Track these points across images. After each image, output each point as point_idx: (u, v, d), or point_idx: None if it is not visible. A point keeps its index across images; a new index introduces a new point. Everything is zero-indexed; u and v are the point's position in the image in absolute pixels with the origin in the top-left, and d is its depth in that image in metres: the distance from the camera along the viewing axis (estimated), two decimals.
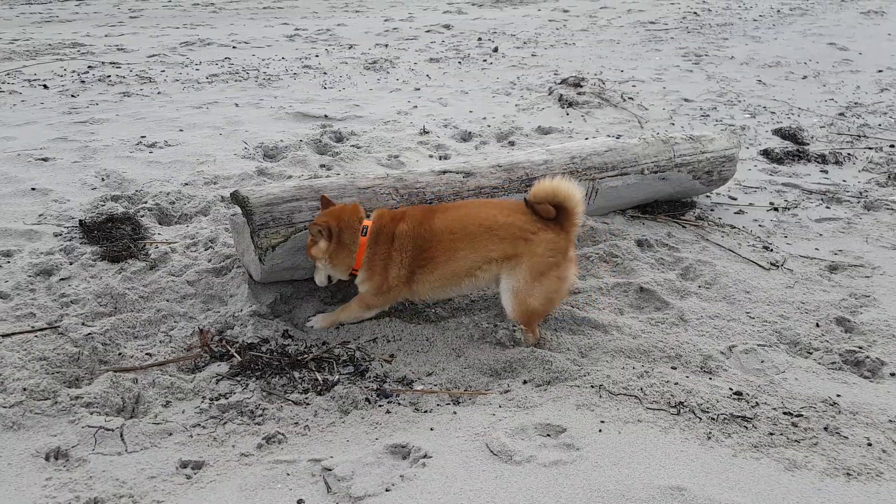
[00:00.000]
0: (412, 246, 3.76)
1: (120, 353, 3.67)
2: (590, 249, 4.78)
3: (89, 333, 3.72)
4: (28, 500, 2.67)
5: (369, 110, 8.22)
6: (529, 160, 4.91)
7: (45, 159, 6.40)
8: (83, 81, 9.46)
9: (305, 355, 3.74)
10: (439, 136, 7.51)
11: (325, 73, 10.05)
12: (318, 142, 6.90)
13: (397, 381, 3.65)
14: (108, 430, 3.05)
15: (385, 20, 14.38)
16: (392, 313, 4.14)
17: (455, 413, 3.31)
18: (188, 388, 3.43)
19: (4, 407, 3.14)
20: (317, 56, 11.08)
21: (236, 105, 8.19)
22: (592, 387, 3.44)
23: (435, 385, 3.58)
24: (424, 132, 7.52)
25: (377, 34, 12.98)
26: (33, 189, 5.66)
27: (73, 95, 8.82)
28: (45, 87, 9.32)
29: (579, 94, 8.78)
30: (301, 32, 12.98)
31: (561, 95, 8.71)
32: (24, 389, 3.26)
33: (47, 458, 2.91)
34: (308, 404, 3.40)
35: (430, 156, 6.92)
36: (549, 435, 3.10)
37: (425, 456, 2.92)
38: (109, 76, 9.71)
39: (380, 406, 3.43)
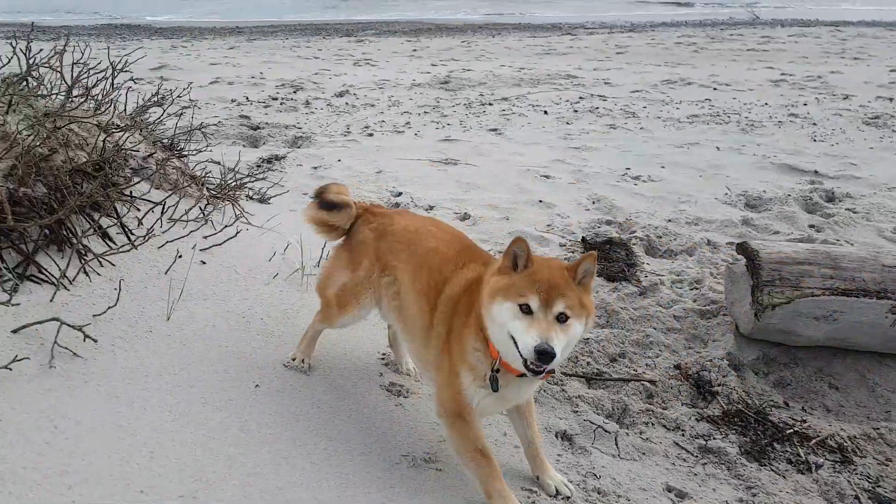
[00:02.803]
0: None
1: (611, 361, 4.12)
2: None
3: (588, 339, 4.29)
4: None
5: (869, 171, 7.35)
6: None
7: (547, 177, 7.56)
8: (576, 111, 10.79)
9: (789, 427, 3.62)
10: None
11: (814, 123, 9.36)
12: (807, 199, 6.50)
13: (894, 490, 3.25)
14: (606, 431, 3.47)
15: (892, 70, 12.58)
16: None
17: None
18: (670, 416, 3.67)
19: None
20: (805, 105, 10.38)
21: (717, 149, 8.28)
22: None
23: None
24: None
25: (880, 85, 11.47)
26: (540, 201, 6.74)
27: (567, 123, 10.14)
28: (546, 112, 10.93)
29: None
30: (787, 78, 12.32)
31: None
32: None
33: (556, 436, 3.47)
34: (787, 477, 3.29)
35: None
36: None
37: None
38: (598, 108, 10.85)
39: None
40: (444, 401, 2.74)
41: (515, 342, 2.34)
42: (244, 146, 8.38)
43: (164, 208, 4.25)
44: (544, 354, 2.24)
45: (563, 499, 2.88)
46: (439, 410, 2.80)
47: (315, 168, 7.33)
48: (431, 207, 6.43)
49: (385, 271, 3.14)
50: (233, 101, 10.77)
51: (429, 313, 2.82)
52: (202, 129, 5.85)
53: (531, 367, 2.31)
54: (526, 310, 2.35)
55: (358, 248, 3.29)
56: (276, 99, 11.01)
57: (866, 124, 9.21)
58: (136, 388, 2.92)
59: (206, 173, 5.47)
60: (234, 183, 5.68)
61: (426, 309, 2.84)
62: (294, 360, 3.41)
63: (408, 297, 2.96)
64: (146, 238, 3.92)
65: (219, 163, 6.02)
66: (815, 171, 7.32)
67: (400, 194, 6.71)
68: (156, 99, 5.96)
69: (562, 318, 2.37)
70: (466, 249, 2.98)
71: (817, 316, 3.88)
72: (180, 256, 3.89)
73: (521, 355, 2.32)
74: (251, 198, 6.05)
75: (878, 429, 3.62)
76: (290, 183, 6.83)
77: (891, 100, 10.39)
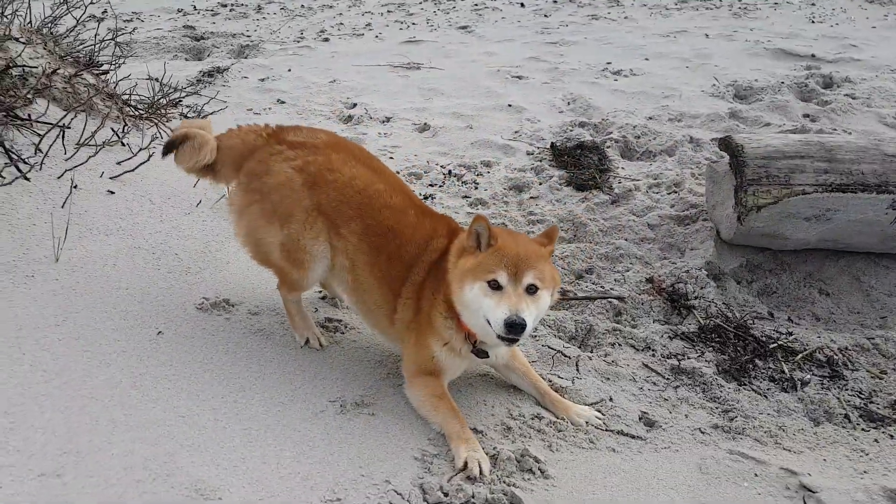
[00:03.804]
0: None
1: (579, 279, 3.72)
2: None
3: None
4: None
5: (871, 53, 6.71)
6: None
7: (519, 77, 6.92)
8: (555, 1, 9.91)
9: (773, 341, 3.25)
10: None
11: (812, 3, 8.57)
12: (802, 86, 5.92)
13: (889, 406, 2.92)
14: (567, 356, 3.11)
15: None
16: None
17: None
18: (639, 335, 3.29)
19: None
20: None
21: (706, 36, 7.57)
22: None
23: None
24: None
25: None
26: (510, 105, 6.15)
27: (545, 15, 9.32)
28: (522, 5, 10.06)
29: None
30: None
31: None
32: None
33: None
34: (769, 397, 2.95)
35: None
36: None
37: None
38: None
39: (863, 430, 2.78)
40: (411, 366, 2.66)
41: (489, 321, 2.34)
42: (186, 59, 7.67)
43: (63, 131, 3.68)
44: (514, 326, 2.25)
45: (592, 427, 2.66)
46: (406, 375, 2.68)
47: (262, 80, 6.68)
48: (388, 119, 5.86)
49: (335, 237, 2.72)
50: (179, 10, 9.88)
51: (392, 301, 2.70)
52: (117, 41, 5.16)
53: (504, 339, 2.32)
54: (494, 285, 2.35)
55: (278, 193, 2.70)
56: (225, 6, 10.10)
57: (869, 2, 8.43)
58: (2, 347, 2.50)
59: (131, 91, 4.86)
60: (163, 100, 5.09)
61: (390, 298, 2.70)
62: (308, 341, 2.89)
63: (367, 282, 2.74)
64: (37, 166, 3.40)
65: (155, 79, 5.41)
66: (812, 56, 6.67)
67: (354, 105, 6.11)
68: (66, 8, 5.27)
69: (531, 290, 2.37)
70: (421, 215, 2.75)
71: (808, 216, 3.44)
72: (76, 187, 3.40)
73: (494, 331, 2.32)
74: (186, 116, 5.46)
75: (872, 338, 3.26)
76: (234, 98, 6.21)
77: None
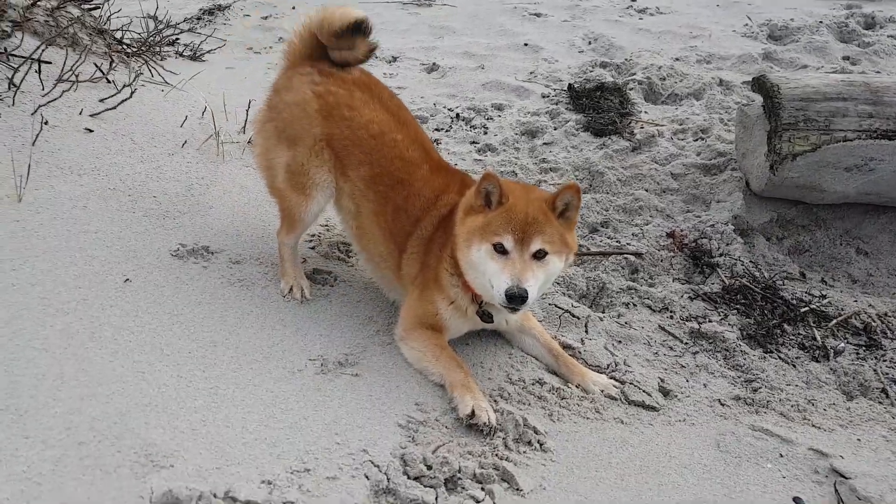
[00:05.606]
0: None
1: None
2: None
3: None
4: None
5: None
6: None
7: (538, 14, 6.46)
8: None
9: (804, 304, 2.96)
10: None
11: None
12: (841, 26, 5.43)
13: None
14: (575, 317, 2.85)
15: None
16: None
17: None
18: (656, 295, 3.02)
19: None
20: None
21: None
22: None
23: None
24: None
25: None
26: (525, 44, 5.74)
27: None
28: None
29: None
30: None
31: None
32: None
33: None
34: (798, 367, 2.68)
35: None
36: None
37: None
38: None
39: None
40: (411, 319, 2.48)
41: (492, 286, 2.20)
42: None
43: (40, 65, 3.40)
44: (514, 298, 2.11)
45: (606, 396, 2.44)
46: (402, 329, 2.50)
47: (264, 18, 6.31)
48: (395, 59, 5.49)
49: (341, 177, 2.62)
50: None
51: (397, 255, 2.58)
52: None
53: (506, 308, 2.20)
54: (500, 249, 2.21)
55: (290, 112, 2.62)
56: None
57: None
58: None
59: (124, 28, 4.54)
60: (157, 38, 4.77)
61: (394, 251, 2.58)
62: (291, 290, 2.68)
63: (371, 231, 2.63)
64: (9, 101, 3.13)
65: (150, 17, 5.09)
66: None
67: None
68: None
69: (539, 255, 2.21)
70: (436, 171, 2.58)
71: (849, 166, 3.09)
72: (46, 123, 3.12)
73: (496, 298, 2.19)
74: (181, 55, 5.14)
75: None
76: (234, 37, 5.87)
77: None
